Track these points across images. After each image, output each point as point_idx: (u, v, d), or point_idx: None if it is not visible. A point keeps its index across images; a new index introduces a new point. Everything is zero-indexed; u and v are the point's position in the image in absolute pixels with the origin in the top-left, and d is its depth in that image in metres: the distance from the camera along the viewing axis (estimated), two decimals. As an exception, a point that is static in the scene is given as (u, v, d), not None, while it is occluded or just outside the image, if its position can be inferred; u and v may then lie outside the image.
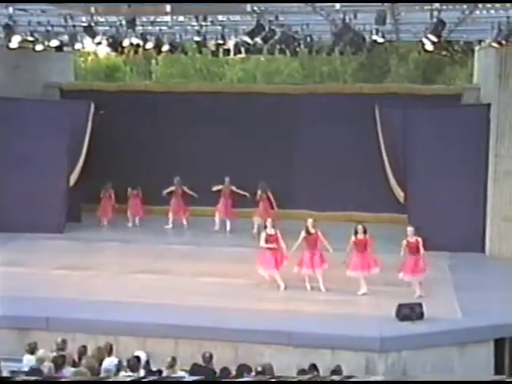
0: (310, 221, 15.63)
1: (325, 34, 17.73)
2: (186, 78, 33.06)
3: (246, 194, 20.55)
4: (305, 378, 10.49)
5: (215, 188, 20.77)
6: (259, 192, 20.49)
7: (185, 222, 21.16)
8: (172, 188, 21.04)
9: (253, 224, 20.16)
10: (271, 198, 20.58)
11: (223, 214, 20.95)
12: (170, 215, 21.15)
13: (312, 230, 15.49)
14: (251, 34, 14.71)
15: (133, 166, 21.94)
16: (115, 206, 21.44)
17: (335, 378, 10.76)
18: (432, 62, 32.57)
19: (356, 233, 15.30)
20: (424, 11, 13.66)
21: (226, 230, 20.82)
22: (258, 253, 15.78)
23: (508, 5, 13.09)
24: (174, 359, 11.30)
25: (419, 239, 15.29)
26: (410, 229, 15.42)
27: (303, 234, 15.45)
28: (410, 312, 13.61)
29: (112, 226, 21.32)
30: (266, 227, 15.76)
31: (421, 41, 16.03)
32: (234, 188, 20.73)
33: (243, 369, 10.43)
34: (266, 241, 15.50)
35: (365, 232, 15.32)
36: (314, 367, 11.21)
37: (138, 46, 18.05)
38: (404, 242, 15.17)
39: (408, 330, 13.34)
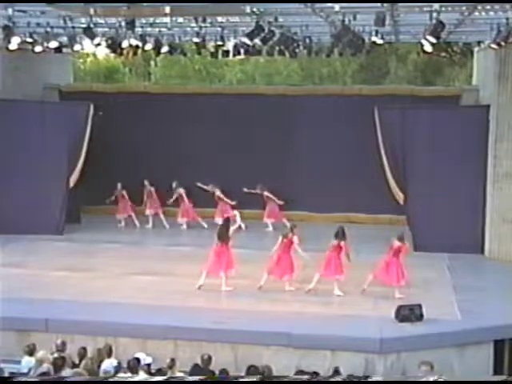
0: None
1: (324, 36, 17.76)
2: (185, 79, 33.08)
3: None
4: (304, 378, 10.50)
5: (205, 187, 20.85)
6: (263, 192, 20.84)
7: (185, 226, 21.35)
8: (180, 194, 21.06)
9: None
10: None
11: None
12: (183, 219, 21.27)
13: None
14: (250, 36, 14.73)
15: (132, 168, 21.92)
16: (131, 204, 21.42)
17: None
18: (431, 63, 32.61)
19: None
20: (423, 12, 13.67)
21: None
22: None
23: (507, 6, 13.09)
24: (173, 360, 11.29)
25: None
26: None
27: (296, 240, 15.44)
28: (409, 313, 13.60)
29: (113, 226, 21.36)
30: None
31: (420, 42, 16.04)
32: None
33: (252, 371, 10.39)
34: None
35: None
36: (315, 374, 11.20)
37: (137, 47, 18.09)
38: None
39: (407, 331, 13.34)
